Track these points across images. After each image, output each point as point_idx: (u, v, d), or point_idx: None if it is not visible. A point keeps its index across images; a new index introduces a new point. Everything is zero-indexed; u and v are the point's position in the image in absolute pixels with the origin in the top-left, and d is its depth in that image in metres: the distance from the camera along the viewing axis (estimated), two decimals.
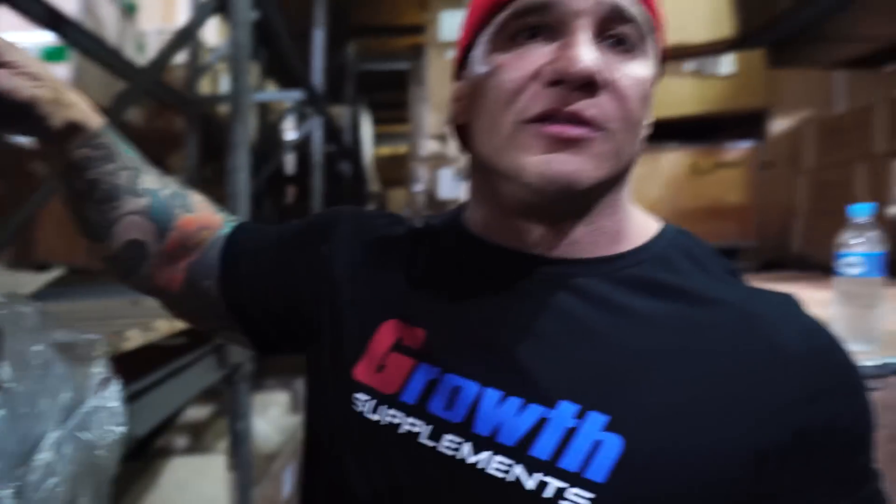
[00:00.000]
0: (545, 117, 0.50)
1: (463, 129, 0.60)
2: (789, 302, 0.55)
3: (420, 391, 0.56)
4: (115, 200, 0.70)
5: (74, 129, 0.66)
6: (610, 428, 0.49)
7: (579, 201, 0.54)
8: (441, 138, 3.96)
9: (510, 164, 0.52)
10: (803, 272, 2.33)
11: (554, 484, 0.49)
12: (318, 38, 4.66)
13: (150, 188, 0.72)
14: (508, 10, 0.53)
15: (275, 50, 3.53)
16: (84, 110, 0.68)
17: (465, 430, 0.52)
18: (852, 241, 0.99)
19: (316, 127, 4.39)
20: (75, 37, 2.30)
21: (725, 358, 0.50)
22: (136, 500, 1.96)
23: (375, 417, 0.57)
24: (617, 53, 0.52)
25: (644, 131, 0.56)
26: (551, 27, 0.52)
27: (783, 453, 0.48)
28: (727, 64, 2.20)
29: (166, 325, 1.07)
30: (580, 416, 0.50)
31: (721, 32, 2.21)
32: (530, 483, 0.49)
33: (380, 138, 9.95)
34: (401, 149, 10.14)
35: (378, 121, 9.54)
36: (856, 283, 1.00)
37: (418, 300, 0.60)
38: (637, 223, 0.59)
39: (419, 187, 4.40)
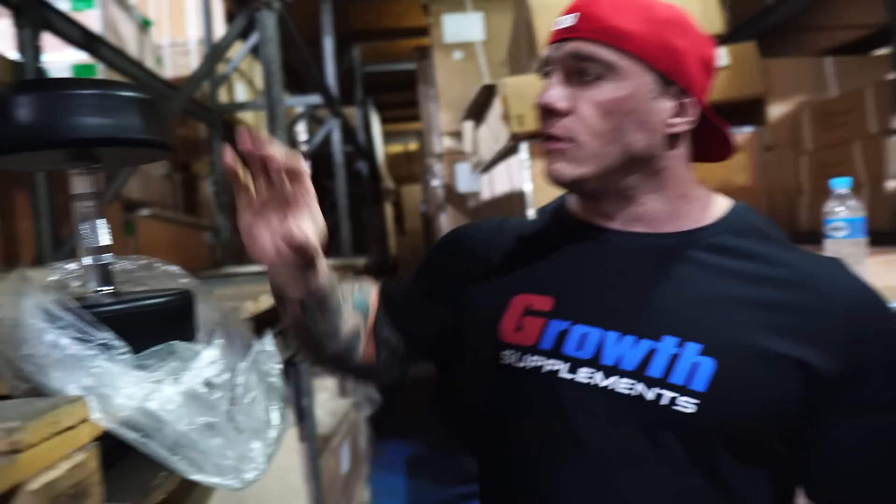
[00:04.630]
0: (542, 135, 0.73)
1: None
2: (836, 264, 0.72)
3: (554, 340, 0.72)
4: (339, 315, 0.80)
5: (320, 286, 0.75)
6: (704, 353, 0.66)
7: (590, 188, 0.73)
8: (455, 135, 4.10)
9: None
10: (813, 245, 2.47)
11: (668, 394, 0.66)
12: (328, 45, 4.83)
13: (347, 294, 0.83)
14: (542, 59, 0.76)
15: (289, 59, 3.69)
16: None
17: (595, 363, 0.70)
18: (836, 209, 1.17)
19: (334, 128, 4.56)
20: (106, 56, 2.46)
21: (786, 304, 0.67)
22: None
23: (521, 365, 0.74)
24: (581, 85, 0.71)
25: (641, 136, 0.70)
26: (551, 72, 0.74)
27: (835, 378, 0.65)
28: (722, 56, 2.36)
29: (251, 307, 1.23)
30: (680, 345, 0.67)
31: (713, 28, 2.36)
32: (650, 395, 0.67)
33: (388, 137, 10.10)
34: (411, 146, 10.28)
35: (385, 120, 9.68)
36: (842, 244, 1.17)
37: (541, 275, 0.78)
38: (703, 204, 0.76)
39: (437, 182, 4.54)
